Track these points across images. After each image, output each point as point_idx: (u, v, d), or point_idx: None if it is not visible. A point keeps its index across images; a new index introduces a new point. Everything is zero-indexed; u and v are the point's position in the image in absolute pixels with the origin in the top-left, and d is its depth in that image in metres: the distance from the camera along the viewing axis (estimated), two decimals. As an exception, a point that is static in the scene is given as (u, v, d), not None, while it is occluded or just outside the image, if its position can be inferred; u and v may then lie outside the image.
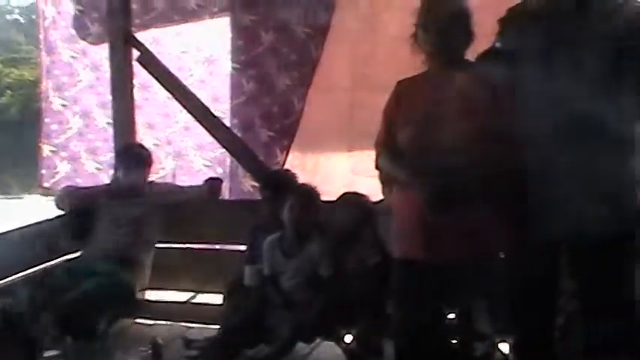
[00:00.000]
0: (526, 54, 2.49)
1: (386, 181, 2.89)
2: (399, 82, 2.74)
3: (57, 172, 5.28)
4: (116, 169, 4.25)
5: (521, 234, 2.48)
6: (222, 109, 4.82)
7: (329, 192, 3.82)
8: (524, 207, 2.44)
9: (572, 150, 2.36)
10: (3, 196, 14.18)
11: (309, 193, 3.59)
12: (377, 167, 2.80)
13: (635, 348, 2.47)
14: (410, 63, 2.72)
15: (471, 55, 2.69)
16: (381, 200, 3.56)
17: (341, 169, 4.52)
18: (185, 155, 5.16)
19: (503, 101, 2.48)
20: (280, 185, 3.74)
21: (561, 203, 2.37)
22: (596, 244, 2.36)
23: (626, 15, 2.42)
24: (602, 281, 2.44)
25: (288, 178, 3.89)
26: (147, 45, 4.63)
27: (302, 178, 3.93)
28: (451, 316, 2.73)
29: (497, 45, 2.68)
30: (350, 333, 3.42)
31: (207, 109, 4.55)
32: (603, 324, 2.44)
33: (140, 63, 4.58)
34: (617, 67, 2.35)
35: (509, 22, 2.66)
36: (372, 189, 3.54)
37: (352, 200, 3.64)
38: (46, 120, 5.30)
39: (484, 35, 2.67)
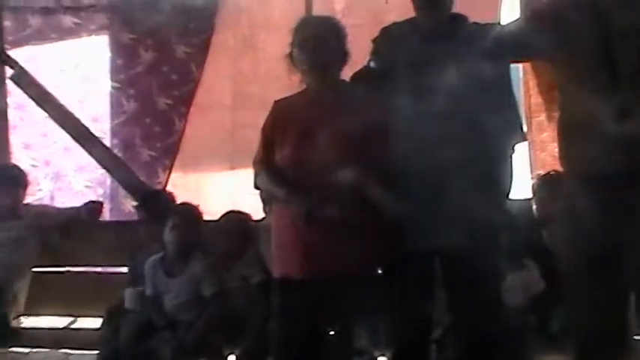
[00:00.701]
0: (398, 73, 2.58)
1: (266, 199, 2.91)
2: (276, 102, 2.78)
3: None
4: (-10, 190, 4.08)
5: (396, 247, 2.54)
6: (102, 128, 4.73)
7: (212, 210, 3.81)
8: (400, 220, 2.51)
9: (442, 164, 2.45)
10: None
11: (190, 212, 3.57)
12: (256, 186, 2.82)
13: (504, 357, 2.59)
14: (291, 81, 2.76)
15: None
16: (263, 218, 3.60)
17: (224, 188, 4.53)
18: (64, 176, 5.03)
19: (376, 119, 2.55)
20: (158, 205, 3.71)
21: (434, 215, 2.45)
22: (466, 255, 2.46)
23: (488, 33, 2.55)
24: (469, 292, 2.54)
25: (165, 198, 3.86)
26: (22, 63, 4.49)
27: (185, 197, 3.91)
28: (331, 332, 2.76)
29: (371, 64, 2.76)
30: (233, 353, 3.41)
31: (86, 128, 4.45)
32: (472, 334, 2.54)
33: (14, 81, 4.43)
34: (484, 84, 2.47)
35: (382, 41, 2.75)
36: (256, 207, 3.58)
37: (234, 219, 3.65)
38: None
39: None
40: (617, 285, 2.30)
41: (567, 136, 2.37)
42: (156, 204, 3.75)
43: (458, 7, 2.71)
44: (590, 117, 2.23)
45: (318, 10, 4.26)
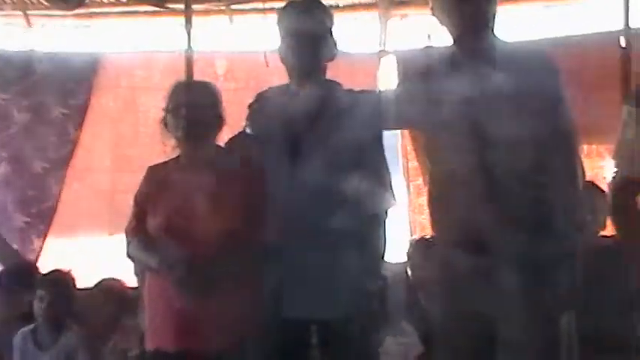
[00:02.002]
0: (272, 139, 2.58)
1: (138, 269, 2.80)
2: (150, 168, 2.72)
3: None
4: None
5: (271, 316, 2.50)
6: (-28, 192, 4.49)
7: (89, 278, 3.66)
8: (276, 288, 2.49)
9: (317, 231, 2.45)
10: None
11: (60, 281, 3.41)
12: (128, 255, 2.72)
13: None
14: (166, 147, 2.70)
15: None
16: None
17: (102, 254, 4.37)
18: None
19: (250, 185, 2.53)
20: (22, 277, 3.54)
21: (309, 282, 2.44)
22: (340, 321, 2.45)
23: (362, 101, 2.60)
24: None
25: (28, 268, 3.69)
26: None
27: (60, 264, 3.74)
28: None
29: (246, 130, 2.75)
30: None
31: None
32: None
33: None
34: (357, 150, 2.50)
35: (257, 107, 2.75)
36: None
37: (109, 286, 3.51)
38: None
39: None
40: (490, 350, 2.34)
41: (435, 202, 2.43)
42: (20, 276, 3.56)
43: (337, 73, 2.76)
44: (454, 185, 2.29)
45: (199, 72, 4.24)
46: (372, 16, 4.80)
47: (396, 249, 3.90)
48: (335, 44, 2.66)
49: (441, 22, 2.41)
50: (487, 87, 2.30)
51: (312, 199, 2.45)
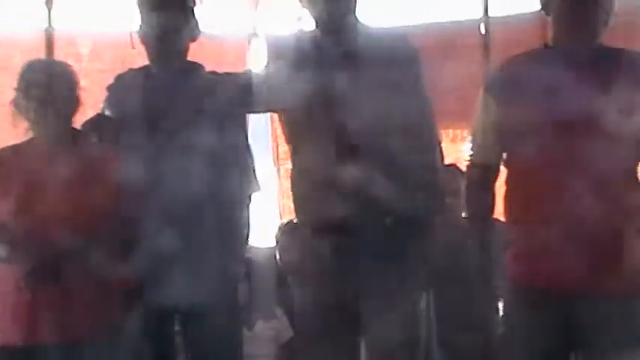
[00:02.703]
0: (130, 121, 2.49)
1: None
2: (0, 151, 2.56)
3: None
4: None
5: (131, 307, 2.42)
6: None
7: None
8: (137, 277, 2.41)
9: (178, 216, 2.38)
10: None
11: None
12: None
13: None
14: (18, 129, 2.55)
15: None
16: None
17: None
18: None
19: (106, 169, 2.43)
20: None
21: (170, 270, 2.38)
22: (204, 309, 2.41)
23: (225, 83, 2.55)
24: (210, 347, 2.49)
25: None
26: None
27: None
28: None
29: (105, 111, 2.65)
30: None
31: None
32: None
33: None
34: (219, 133, 2.45)
35: (115, 89, 2.66)
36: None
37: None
38: None
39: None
40: (353, 336, 2.40)
41: (297, 185, 2.43)
42: None
43: (205, 56, 2.69)
44: (315, 168, 2.30)
45: (60, 52, 4.03)
46: (241, -1, 4.73)
47: (266, 233, 3.90)
48: (197, 25, 2.60)
49: (304, 6, 2.40)
50: (350, 70, 2.30)
51: (172, 184, 2.39)
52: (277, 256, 3.61)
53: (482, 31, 3.84)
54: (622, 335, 2.10)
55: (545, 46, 2.27)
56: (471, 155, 2.38)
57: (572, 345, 2.18)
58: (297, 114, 2.39)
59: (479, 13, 3.90)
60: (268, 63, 2.51)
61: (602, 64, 2.18)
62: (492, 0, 3.89)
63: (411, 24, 4.15)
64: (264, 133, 4.29)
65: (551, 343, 2.16)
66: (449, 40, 3.93)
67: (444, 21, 4.21)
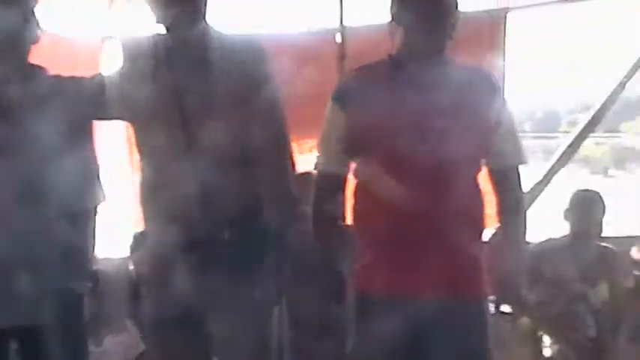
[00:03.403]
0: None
1: None
2: None
3: None
4: None
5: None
6: None
7: None
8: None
9: (16, 233, 2.26)
10: None
11: None
12: None
13: None
14: None
15: None
16: None
17: None
18: None
19: None
20: None
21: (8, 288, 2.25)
22: (45, 329, 2.29)
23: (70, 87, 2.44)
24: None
25: None
26: None
27: None
28: None
29: None
30: None
31: None
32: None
33: None
34: (61, 143, 2.33)
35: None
36: None
37: None
38: None
39: None
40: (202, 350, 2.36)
41: (143, 194, 2.35)
42: None
43: (58, 58, 2.56)
44: (161, 177, 2.24)
45: None
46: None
47: (120, 243, 3.77)
48: (38, 25, 2.46)
49: (152, 11, 2.33)
50: (199, 78, 2.26)
51: (11, 195, 2.25)
52: (131, 267, 3.50)
53: (339, 40, 3.88)
54: (463, 340, 2.17)
55: (391, 56, 2.31)
56: (319, 164, 2.38)
57: (416, 351, 2.22)
58: (144, 122, 2.31)
59: (335, 23, 3.94)
60: (118, 67, 2.42)
61: (446, 76, 2.24)
62: (349, 10, 3.94)
63: (267, 33, 4.14)
64: (119, 140, 4.14)
65: (396, 350, 2.20)
66: (305, 50, 3.94)
67: (301, 30, 4.24)
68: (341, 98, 2.31)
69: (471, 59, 3.84)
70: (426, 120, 2.18)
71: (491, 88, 2.28)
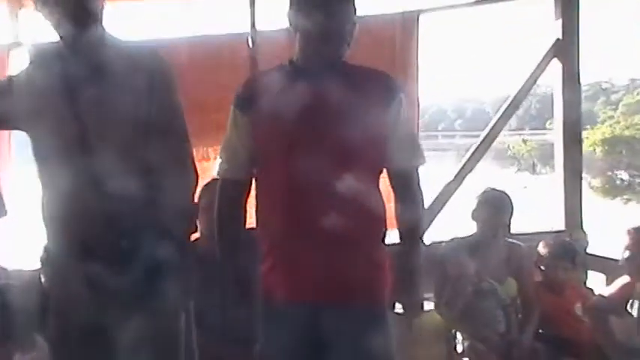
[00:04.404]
0: None
1: None
2: None
3: None
4: None
5: None
6: None
7: None
8: None
9: None
10: None
11: None
12: None
13: None
14: None
15: None
16: None
17: None
18: None
19: None
20: None
21: None
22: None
23: None
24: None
25: None
26: None
27: None
28: None
29: None
30: None
31: None
32: None
33: None
34: None
35: None
36: None
37: None
38: None
39: None
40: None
41: (44, 207, 2.30)
42: None
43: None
44: (58, 189, 2.20)
45: None
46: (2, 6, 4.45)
47: (30, 255, 3.67)
48: None
49: (45, 18, 2.28)
50: (93, 85, 2.22)
51: None
52: (42, 280, 3.41)
53: (250, 44, 3.87)
54: (363, 343, 2.19)
55: (291, 62, 2.32)
56: (221, 171, 2.38)
57: (319, 355, 2.23)
58: (40, 132, 2.26)
59: (247, 27, 3.93)
60: (16, 76, 2.36)
61: (344, 82, 2.26)
62: (262, 13, 3.94)
63: (179, 36, 4.10)
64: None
65: (299, 355, 2.21)
66: (217, 54, 3.92)
67: (213, 34, 4.21)
68: (241, 104, 2.31)
69: (383, 61, 3.95)
70: (324, 125, 2.20)
71: (389, 91, 2.30)
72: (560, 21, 4.13)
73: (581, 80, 4.14)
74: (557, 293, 3.44)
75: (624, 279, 3.27)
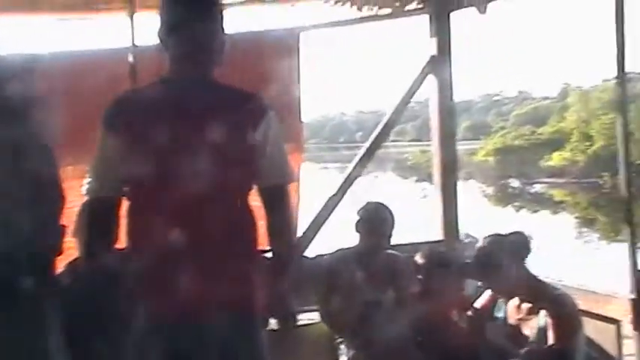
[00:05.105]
0: None
1: None
2: None
3: None
4: None
5: None
6: None
7: None
8: None
9: None
10: None
11: None
12: None
13: None
14: None
15: None
16: None
17: None
18: None
19: None
20: None
21: None
22: None
23: None
24: None
25: None
26: None
27: None
28: None
29: None
30: None
31: None
32: None
33: None
34: None
35: None
36: None
37: None
38: None
39: None
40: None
41: None
42: None
43: None
44: None
45: None
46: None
47: None
48: None
49: None
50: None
51: None
52: None
53: (131, 60, 3.83)
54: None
55: (161, 80, 2.32)
56: (90, 190, 2.34)
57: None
58: None
59: (127, 42, 3.88)
60: None
61: (212, 100, 2.27)
62: (140, 30, 3.90)
63: (56, 51, 4.02)
64: None
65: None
66: (97, 69, 3.86)
67: (92, 49, 4.15)
68: (107, 122, 2.29)
69: (266, 78, 3.99)
70: (190, 143, 2.21)
71: (257, 109, 2.33)
72: (435, 39, 4.30)
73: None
74: (434, 302, 3.54)
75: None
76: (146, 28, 3.94)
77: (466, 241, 6.16)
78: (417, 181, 30.27)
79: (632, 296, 3.30)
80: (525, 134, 36.23)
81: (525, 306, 3.13)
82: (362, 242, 3.65)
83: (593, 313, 3.35)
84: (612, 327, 3.37)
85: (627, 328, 3.38)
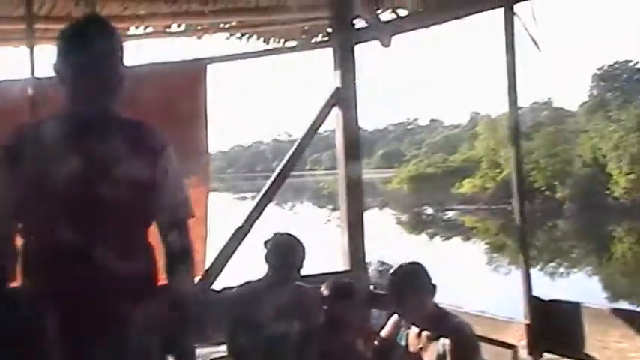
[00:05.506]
0: None
1: None
2: None
3: None
4: None
5: None
6: None
7: None
8: None
9: None
10: None
11: None
12: None
13: None
14: None
15: None
16: None
17: None
18: None
19: None
20: None
21: None
22: None
23: None
24: None
25: None
26: None
27: None
28: None
29: None
30: None
31: None
32: None
33: None
34: None
35: None
36: None
37: None
38: None
39: None
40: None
41: None
42: None
43: None
44: None
45: None
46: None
47: None
48: None
49: None
50: None
51: None
52: None
53: (30, 91, 3.75)
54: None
55: (60, 113, 2.28)
56: None
57: None
58: None
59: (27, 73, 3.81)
60: None
61: (108, 135, 2.25)
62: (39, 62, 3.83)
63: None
64: None
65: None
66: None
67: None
68: (4, 156, 2.24)
69: (171, 110, 3.97)
70: (86, 179, 2.17)
71: (155, 145, 2.32)
72: (339, 71, 4.38)
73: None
74: (339, 332, 3.57)
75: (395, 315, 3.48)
76: (47, 61, 3.90)
77: (380, 269, 6.26)
78: (332, 210, 30.59)
79: (527, 321, 3.42)
80: (438, 162, 37.13)
81: (425, 333, 3.19)
82: (270, 274, 3.64)
83: (491, 339, 3.45)
84: (509, 351, 3.49)
85: (523, 353, 3.50)
